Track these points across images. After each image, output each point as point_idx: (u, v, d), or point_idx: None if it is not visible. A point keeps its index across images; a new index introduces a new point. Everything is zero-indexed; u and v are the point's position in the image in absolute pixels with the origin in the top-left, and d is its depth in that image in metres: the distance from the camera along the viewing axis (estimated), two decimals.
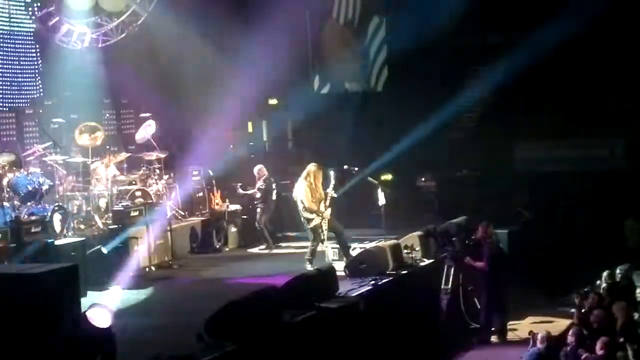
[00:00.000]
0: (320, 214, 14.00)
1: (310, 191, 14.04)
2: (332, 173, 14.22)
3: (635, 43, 19.44)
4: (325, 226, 14.05)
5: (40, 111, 16.95)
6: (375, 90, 21.91)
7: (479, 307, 14.55)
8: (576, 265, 16.09)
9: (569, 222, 18.39)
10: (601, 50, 19.57)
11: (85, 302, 9.68)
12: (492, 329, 14.52)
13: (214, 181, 17.76)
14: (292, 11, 19.79)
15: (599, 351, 11.52)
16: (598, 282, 14.34)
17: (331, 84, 22.19)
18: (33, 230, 13.17)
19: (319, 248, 14.21)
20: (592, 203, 18.62)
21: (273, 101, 21.49)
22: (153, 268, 14.67)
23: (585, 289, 13.89)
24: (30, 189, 13.96)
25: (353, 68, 22.18)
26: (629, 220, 17.71)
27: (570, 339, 11.95)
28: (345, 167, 15.68)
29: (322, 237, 14.10)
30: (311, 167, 14.23)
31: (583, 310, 13.24)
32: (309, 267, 13.67)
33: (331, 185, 14.11)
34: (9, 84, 16.70)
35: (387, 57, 21.79)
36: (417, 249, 14.04)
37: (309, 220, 14.06)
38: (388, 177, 18.88)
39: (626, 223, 17.74)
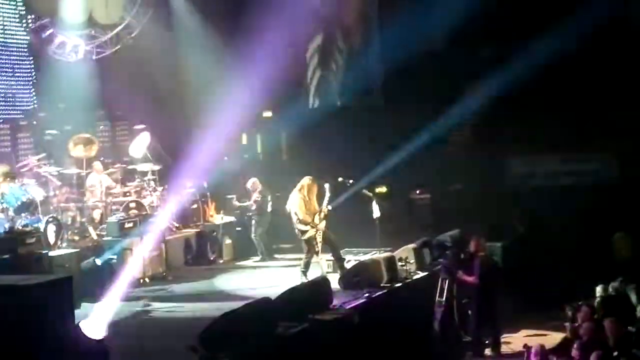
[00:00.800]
0: (314, 226, 14.01)
1: (304, 204, 14.05)
2: (327, 186, 14.22)
3: (628, 57, 19.48)
4: (319, 238, 14.06)
5: (35, 123, 16.96)
6: (365, 104, 21.84)
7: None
8: (570, 278, 16.07)
9: (562, 235, 18.38)
10: (594, 64, 19.59)
11: (79, 314, 9.65)
12: (486, 341, 14.48)
13: (208, 193, 17.75)
14: (287, 26, 19.81)
15: None
16: (592, 295, 14.32)
17: (324, 97, 22.14)
18: (27, 241, 13.12)
19: (313, 260, 14.21)
20: (584, 217, 18.61)
21: (267, 114, 21.48)
22: (147, 279, 14.65)
23: (579, 302, 13.86)
24: (24, 200, 13.94)
25: (342, 82, 22.12)
26: (619, 234, 17.69)
27: (574, 352, 11.90)
28: (340, 179, 15.67)
29: (317, 249, 14.10)
30: (306, 180, 14.25)
31: (576, 324, 13.22)
32: (303, 279, 13.69)
33: (326, 199, 14.11)
34: (3, 95, 16.72)
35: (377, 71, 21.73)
36: (411, 261, 14.05)
37: (303, 232, 14.08)
38: (383, 189, 18.87)
39: (615, 237, 17.72)
